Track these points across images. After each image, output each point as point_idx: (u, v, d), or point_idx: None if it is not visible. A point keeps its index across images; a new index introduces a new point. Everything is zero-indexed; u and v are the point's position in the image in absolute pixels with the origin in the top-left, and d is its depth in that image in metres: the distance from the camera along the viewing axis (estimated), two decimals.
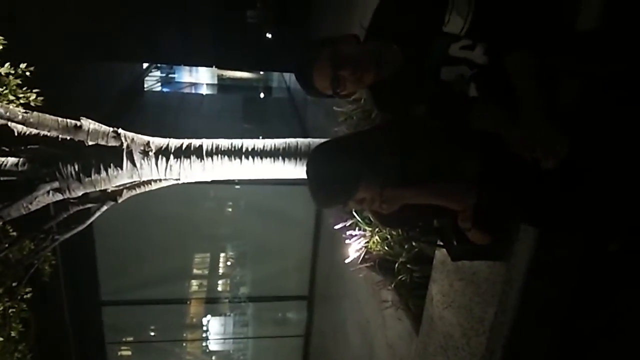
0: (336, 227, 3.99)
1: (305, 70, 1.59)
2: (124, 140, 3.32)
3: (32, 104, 3.73)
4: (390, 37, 1.60)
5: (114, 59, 9.70)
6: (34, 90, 3.74)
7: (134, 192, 3.60)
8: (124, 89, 10.63)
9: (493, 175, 1.49)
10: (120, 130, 3.36)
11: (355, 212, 3.78)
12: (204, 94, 15.42)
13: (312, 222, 7.82)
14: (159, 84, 15.31)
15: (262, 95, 16.12)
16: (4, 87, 3.76)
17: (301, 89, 1.68)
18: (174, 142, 3.45)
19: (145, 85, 13.23)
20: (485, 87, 1.57)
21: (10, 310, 3.84)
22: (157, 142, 3.43)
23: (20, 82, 3.72)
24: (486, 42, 1.50)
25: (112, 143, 3.32)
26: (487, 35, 1.50)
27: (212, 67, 12.06)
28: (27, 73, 3.68)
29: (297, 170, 3.52)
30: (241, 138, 3.55)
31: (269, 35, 10.22)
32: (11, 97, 3.80)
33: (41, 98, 3.75)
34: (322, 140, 1.71)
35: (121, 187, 3.54)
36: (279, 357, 9.39)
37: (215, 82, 15.72)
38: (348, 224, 3.83)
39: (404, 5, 1.60)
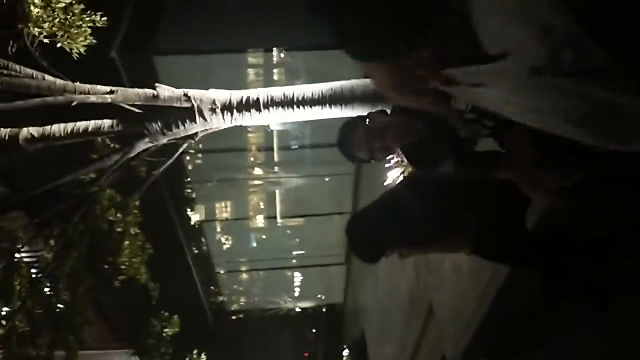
0: None
1: (346, 144, 2.06)
2: (193, 102, 3.91)
3: (98, 24, 4.11)
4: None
5: None
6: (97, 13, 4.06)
7: (207, 132, 4.30)
8: None
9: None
10: (190, 93, 3.91)
11: None
12: None
13: None
14: None
15: None
16: (71, 14, 4.21)
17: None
18: (235, 96, 4.00)
19: None
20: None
21: None
22: (220, 98, 3.99)
23: (84, 7, 4.08)
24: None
25: (185, 104, 3.92)
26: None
27: None
28: None
29: (343, 112, 4.03)
30: None
31: None
32: (78, 23, 4.25)
33: (105, 18, 4.09)
34: None
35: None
36: None
37: None
38: None
39: None
